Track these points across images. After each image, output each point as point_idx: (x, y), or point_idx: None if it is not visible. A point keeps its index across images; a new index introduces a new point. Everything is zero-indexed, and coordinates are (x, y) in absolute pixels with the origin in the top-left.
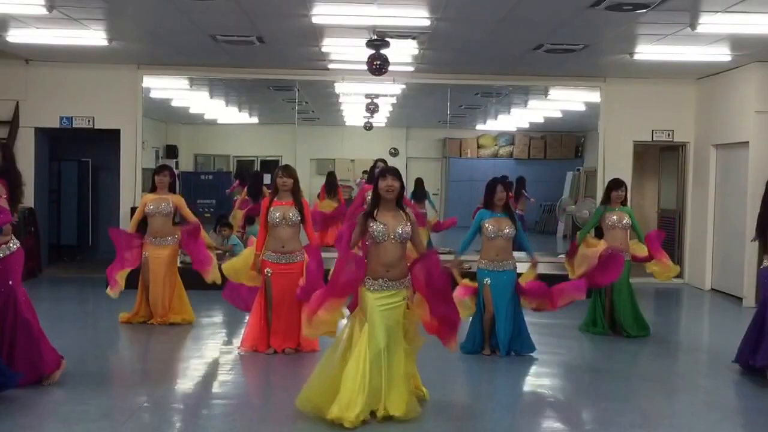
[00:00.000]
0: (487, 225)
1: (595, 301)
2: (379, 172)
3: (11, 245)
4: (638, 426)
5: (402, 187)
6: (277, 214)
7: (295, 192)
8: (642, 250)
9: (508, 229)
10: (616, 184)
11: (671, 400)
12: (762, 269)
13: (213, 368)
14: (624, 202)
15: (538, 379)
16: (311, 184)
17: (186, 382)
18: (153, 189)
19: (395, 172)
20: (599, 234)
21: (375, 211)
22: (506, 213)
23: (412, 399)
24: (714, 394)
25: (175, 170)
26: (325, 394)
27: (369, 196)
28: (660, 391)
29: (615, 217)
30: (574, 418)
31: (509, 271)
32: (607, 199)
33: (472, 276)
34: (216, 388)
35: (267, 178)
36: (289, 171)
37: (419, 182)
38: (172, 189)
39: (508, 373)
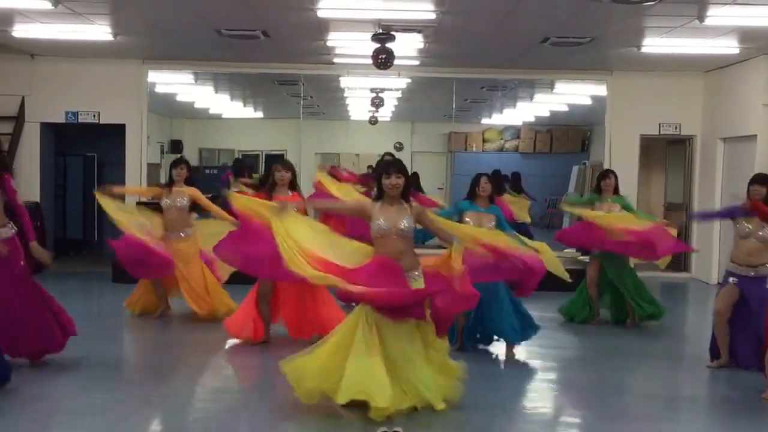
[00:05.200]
0: (467, 219)
1: (581, 289)
2: (382, 167)
3: (12, 227)
4: (642, 419)
5: (407, 182)
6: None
7: (293, 186)
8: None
9: (490, 225)
10: (603, 173)
11: (674, 395)
12: None
13: (219, 361)
14: (616, 191)
15: (535, 373)
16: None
17: (192, 375)
18: (170, 182)
19: (400, 169)
20: None
21: (376, 206)
22: (490, 209)
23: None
24: (716, 388)
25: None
26: (330, 380)
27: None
28: (661, 385)
29: (605, 208)
30: (574, 411)
31: None
32: (598, 189)
33: None
34: (222, 381)
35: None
36: (288, 165)
37: (415, 177)
38: (188, 182)
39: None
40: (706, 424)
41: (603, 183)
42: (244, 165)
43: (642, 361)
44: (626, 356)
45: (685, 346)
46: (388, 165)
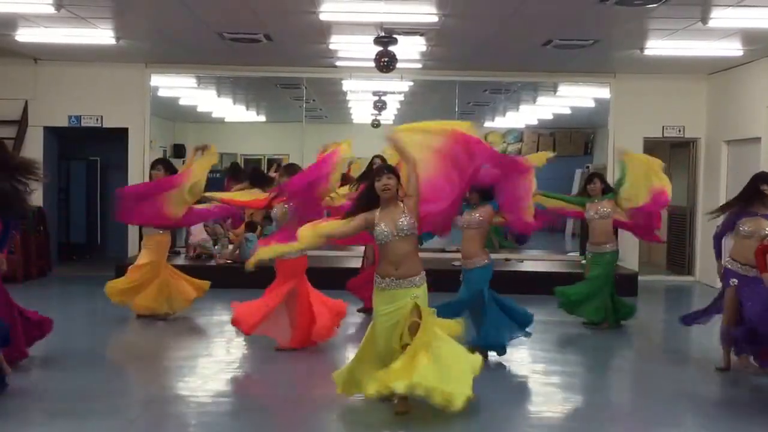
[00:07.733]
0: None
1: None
2: (372, 173)
3: None
4: (644, 422)
5: (398, 182)
6: (282, 212)
7: None
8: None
9: (479, 216)
10: (589, 178)
11: (678, 397)
12: None
13: (222, 366)
14: (605, 191)
15: (537, 375)
16: None
17: (195, 380)
18: None
19: (390, 169)
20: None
21: (376, 213)
22: (483, 201)
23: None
24: (722, 390)
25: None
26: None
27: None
28: (666, 386)
29: (592, 211)
30: (576, 412)
31: (478, 269)
32: (585, 193)
33: None
34: (225, 386)
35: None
36: (293, 170)
37: None
38: None
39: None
40: (711, 426)
41: (588, 187)
42: (239, 169)
43: (645, 363)
44: (627, 357)
45: (689, 348)
46: (377, 169)
